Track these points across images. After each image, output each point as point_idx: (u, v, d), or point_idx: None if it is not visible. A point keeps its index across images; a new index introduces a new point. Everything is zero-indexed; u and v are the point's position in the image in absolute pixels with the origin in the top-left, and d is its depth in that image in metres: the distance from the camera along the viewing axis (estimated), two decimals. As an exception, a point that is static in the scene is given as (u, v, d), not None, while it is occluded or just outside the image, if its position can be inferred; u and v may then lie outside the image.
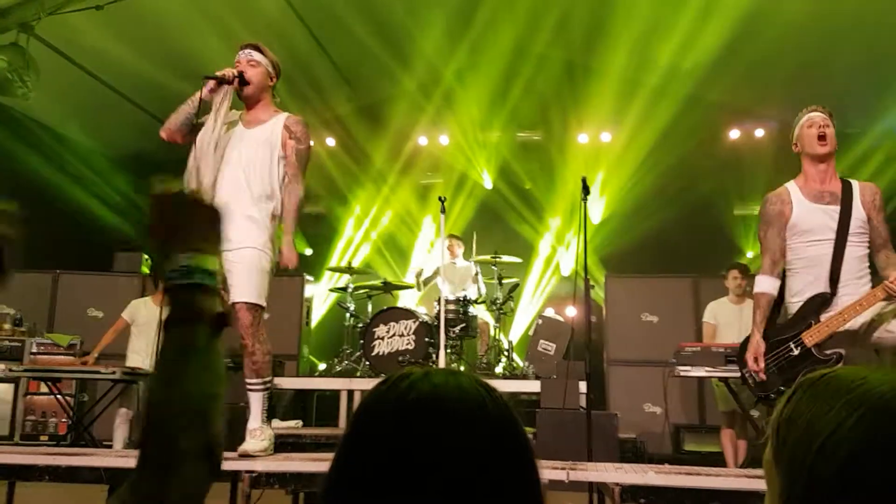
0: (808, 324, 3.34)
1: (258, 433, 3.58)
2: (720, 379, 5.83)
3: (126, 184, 8.74)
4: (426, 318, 7.01)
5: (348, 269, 7.63)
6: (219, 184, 3.51)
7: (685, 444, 6.50)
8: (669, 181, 8.32)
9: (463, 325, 7.12)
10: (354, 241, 9.70)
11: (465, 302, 7.20)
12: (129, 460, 3.67)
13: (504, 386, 6.47)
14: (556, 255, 9.04)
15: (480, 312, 7.65)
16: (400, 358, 6.74)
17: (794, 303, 3.39)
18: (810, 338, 3.33)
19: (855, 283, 3.33)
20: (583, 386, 5.65)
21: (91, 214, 8.36)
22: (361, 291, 7.66)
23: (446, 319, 6.43)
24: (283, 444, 5.40)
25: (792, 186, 3.42)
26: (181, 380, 0.96)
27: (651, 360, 6.71)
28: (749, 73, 7.35)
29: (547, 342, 7.01)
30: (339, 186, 9.77)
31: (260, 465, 3.45)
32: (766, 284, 3.41)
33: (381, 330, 6.95)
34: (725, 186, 8.49)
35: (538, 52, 7.65)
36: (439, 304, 7.21)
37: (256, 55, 3.63)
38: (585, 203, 4.41)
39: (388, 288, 7.70)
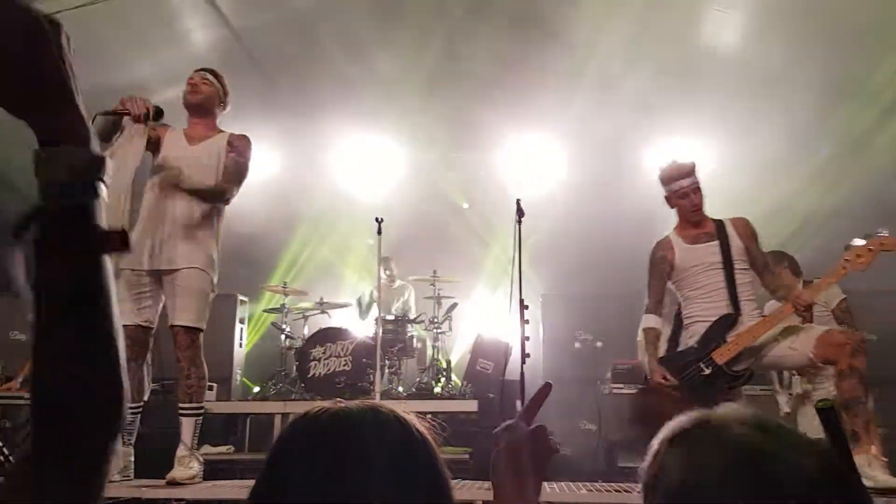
0: (717, 343, 3.53)
1: (187, 460, 3.49)
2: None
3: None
4: (364, 339, 6.96)
5: (284, 290, 7.52)
6: (159, 201, 3.50)
7: (619, 461, 6.60)
8: (603, 202, 8.48)
9: (401, 345, 7.10)
10: (292, 263, 9.55)
11: (403, 322, 7.19)
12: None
13: (442, 406, 6.46)
14: (495, 274, 9.11)
15: (418, 332, 7.65)
16: (337, 380, 6.67)
17: (690, 325, 3.72)
18: (720, 356, 3.52)
19: (748, 304, 3.63)
20: (520, 405, 5.70)
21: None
22: (297, 312, 7.56)
23: (384, 340, 6.40)
24: (214, 471, 5.27)
25: (673, 234, 3.90)
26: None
27: (586, 377, 6.82)
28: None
29: (485, 361, 7.06)
30: (279, 206, 9.63)
31: (189, 493, 3.37)
32: (652, 321, 3.79)
33: (317, 351, 6.87)
34: (658, 207, 8.70)
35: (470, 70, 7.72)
36: (374, 324, 7.19)
37: (210, 77, 3.80)
38: (520, 224, 4.49)
39: (325, 308, 7.62)
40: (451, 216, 9.24)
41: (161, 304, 3.63)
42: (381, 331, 5.70)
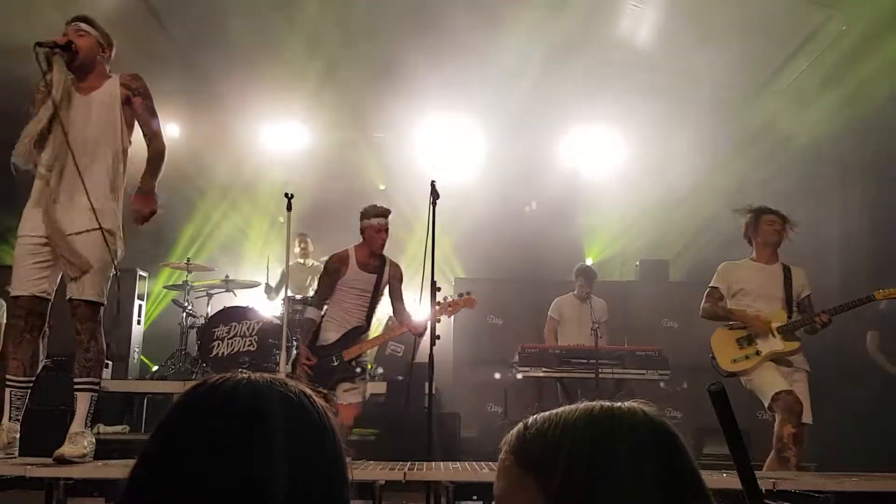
0: (347, 345, 4.63)
1: (79, 437, 3.31)
2: (555, 378, 6.12)
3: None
4: (271, 319, 6.80)
5: (187, 266, 7.23)
6: (63, 159, 3.31)
7: (524, 443, 6.73)
8: (515, 188, 8.60)
9: (310, 326, 6.98)
10: (195, 237, 9.21)
11: (313, 302, 7.07)
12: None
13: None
14: (410, 257, 9.07)
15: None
16: (241, 360, 6.50)
17: (329, 325, 4.73)
18: (348, 354, 4.62)
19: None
20: (427, 387, 5.72)
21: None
22: (200, 289, 7.30)
23: (292, 320, 6.27)
24: (108, 452, 5.04)
25: (352, 251, 4.79)
26: None
27: (495, 360, 6.91)
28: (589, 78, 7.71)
29: (396, 344, 7.04)
30: (181, 179, 9.26)
31: (77, 472, 3.20)
32: (313, 313, 4.77)
33: (220, 330, 6.67)
34: (570, 196, 8.88)
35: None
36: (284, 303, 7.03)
37: (84, 26, 3.46)
38: (434, 206, 4.48)
39: (231, 286, 7.39)
40: (367, 198, 9.12)
41: (59, 275, 3.42)
42: (288, 310, 5.58)
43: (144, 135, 3.55)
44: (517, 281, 7.73)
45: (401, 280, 4.91)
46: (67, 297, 3.37)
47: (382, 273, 4.77)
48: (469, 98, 8.00)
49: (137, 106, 3.50)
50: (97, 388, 3.46)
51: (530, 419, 0.93)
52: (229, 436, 0.80)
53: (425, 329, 4.60)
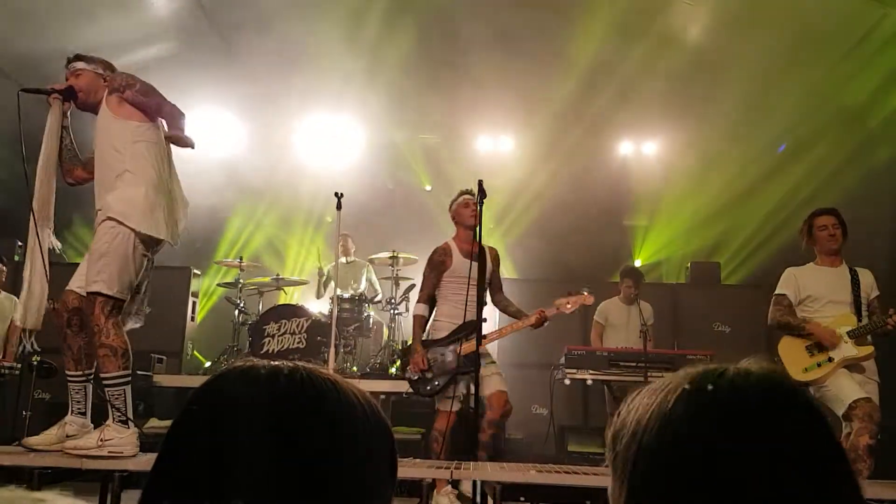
0: (462, 340, 4.46)
1: (96, 430, 3.38)
2: (603, 382, 6.05)
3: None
4: (319, 317, 6.90)
5: (239, 265, 7.40)
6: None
7: (569, 445, 6.68)
8: (564, 189, 8.57)
9: (357, 324, 7.06)
10: (245, 235, 9.42)
11: (360, 301, 7.14)
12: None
13: (397, 387, 6.45)
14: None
15: (376, 312, 7.61)
16: (290, 356, 6.58)
17: (439, 322, 4.59)
18: (464, 350, 4.42)
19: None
20: (472, 387, 5.72)
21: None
22: (252, 287, 7.45)
23: (340, 318, 6.34)
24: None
25: (452, 244, 4.70)
26: None
27: (539, 362, 6.86)
28: (637, 89, 7.69)
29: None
30: (250, 180, 9.50)
31: (132, 465, 3.29)
32: (422, 310, 4.63)
33: (271, 328, 6.79)
34: (616, 197, 8.82)
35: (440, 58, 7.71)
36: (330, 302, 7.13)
37: (78, 64, 3.51)
38: (481, 206, 4.48)
39: (281, 284, 7.53)
40: (413, 197, 9.22)
41: None
42: (336, 309, 5.64)
43: (153, 116, 3.47)
44: (562, 282, 7.66)
45: (499, 264, 4.85)
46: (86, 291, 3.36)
47: (485, 258, 4.61)
48: (521, 98, 7.98)
49: (131, 98, 3.39)
50: (126, 381, 3.41)
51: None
52: (292, 433, 0.75)
53: (547, 319, 4.57)
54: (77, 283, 3.41)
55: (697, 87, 7.33)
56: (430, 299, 4.62)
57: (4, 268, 6.10)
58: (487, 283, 4.62)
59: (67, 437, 3.39)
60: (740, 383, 0.77)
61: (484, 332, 4.44)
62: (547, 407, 6.70)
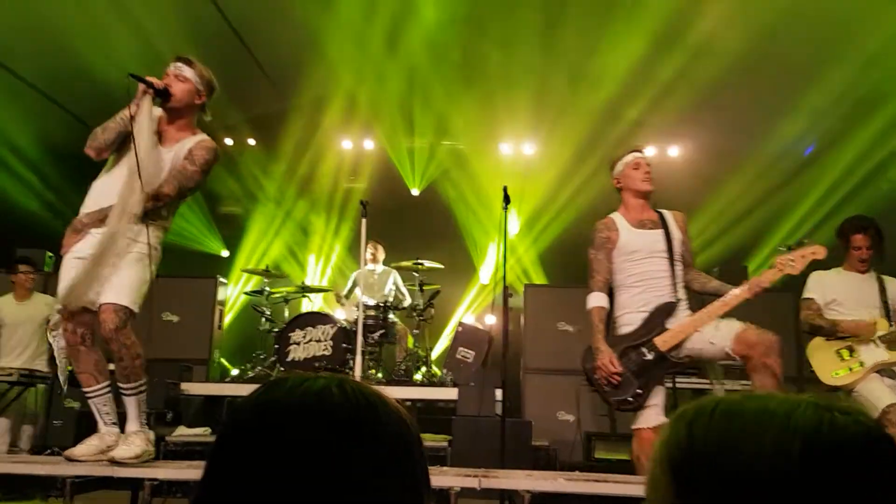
0: (658, 331, 3.53)
1: (131, 439, 3.40)
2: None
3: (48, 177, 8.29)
4: (344, 324, 6.92)
5: (265, 272, 7.45)
6: (119, 196, 3.30)
7: (596, 452, 6.62)
8: (586, 194, 8.54)
9: (382, 331, 7.07)
10: (270, 244, 9.53)
11: (385, 308, 7.15)
12: (22, 466, 3.46)
13: (422, 394, 6.46)
14: (480, 262, 9.15)
15: (400, 319, 7.62)
16: (316, 364, 6.63)
17: (624, 314, 3.65)
18: (664, 343, 3.51)
19: (683, 293, 3.67)
20: (499, 394, 5.70)
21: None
22: (278, 295, 7.50)
23: (365, 325, 6.35)
24: (191, 452, 5.23)
25: (616, 216, 3.78)
26: None
27: (566, 368, 6.81)
28: (665, 94, 7.65)
29: (466, 350, 7.04)
30: (256, 188, 9.60)
31: (162, 473, 3.32)
32: (600, 300, 3.66)
33: (297, 335, 6.82)
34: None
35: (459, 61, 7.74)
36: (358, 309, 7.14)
37: (186, 70, 3.40)
38: (506, 212, 4.46)
39: (306, 291, 7.57)
40: (435, 203, 9.25)
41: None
42: (362, 316, 5.65)
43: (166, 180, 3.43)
44: (586, 288, 7.61)
45: (687, 232, 3.82)
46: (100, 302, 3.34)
47: (668, 226, 3.71)
48: (549, 104, 7.99)
49: (180, 164, 3.41)
50: (142, 390, 3.44)
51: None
52: (311, 443, 0.75)
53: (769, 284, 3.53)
54: (87, 299, 3.32)
55: (728, 91, 7.28)
56: (606, 286, 3.66)
57: (33, 273, 6.15)
58: (679, 255, 3.68)
59: (108, 447, 3.42)
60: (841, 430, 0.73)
61: (683, 314, 3.59)
62: (573, 413, 6.65)
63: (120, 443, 3.38)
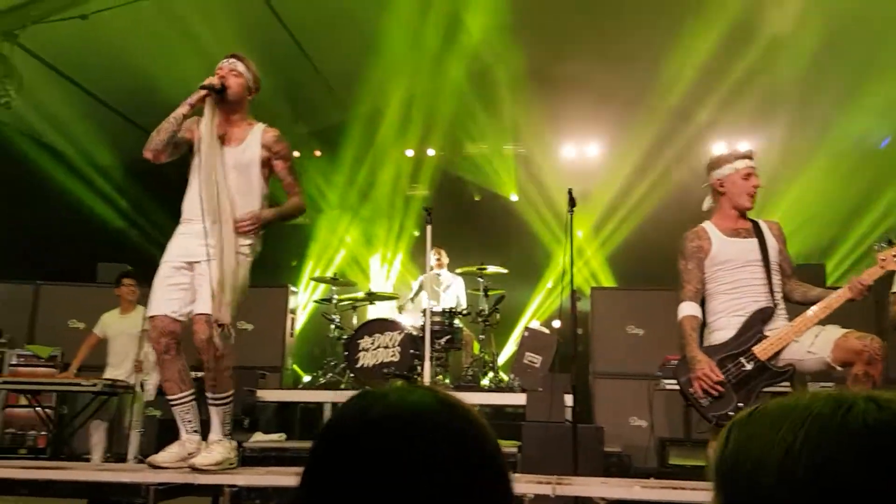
0: (756, 338, 3.37)
1: (212, 447, 3.50)
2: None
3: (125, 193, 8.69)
4: (411, 330, 6.97)
5: (333, 280, 7.58)
6: (204, 201, 3.41)
7: (670, 458, 6.48)
8: (656, 195, 8.40)
9: (448, 336, 7.09)
10: (338, 252, 9.72)
11: (451, 314, 7.17)
12: (108, 474, 3.61)
13: (489, 399, 6.44)
14: (545, 266, 9.09)
15: (466, 325, 7.63)
16: (385, 370, 6.70)
17: (718, 319, 3.49)
18: (763, 351, 3.34)
19: (781, 301, 3.50)
20: (569, 399, 5.64)
21: (75, 225, 8.28)
22: (346, 303, 7.61)
23: (431, 331, 6.39)
24: (266, 458, 5.35)
25: (707, 225, 3.61)
26: None
27: (637, 373, 6.70)
28: (736, 91, 7.49)
29: (532, 354, 6.99)
30: (321, 197, 9.80)
31: (241, 480, 3.41)
32: (692, 309, 3.50)
33: (365, 342, 6.91)
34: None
35: (521, 66, 7.73)
36: (424, 315, 7.19)
37: (240, 66, 3.54)
38: (572, 215, 4.42)
39: (373, 298, 7.66)
40: (500, 208, 9.27)
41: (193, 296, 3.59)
42: (429, 322, 5.69)
43: (285, 190, 3.65)
44: (656, 290, 7.45)
45: (785, 241, 3.66)
46: (193, 313, 3.46)
47: (762, 235, 3.55)
48: (616, 105, 7.92)
49: (279, 169, 3.59)
50: (228, 401, 3.55)
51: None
52: (365, 452, 0.77)
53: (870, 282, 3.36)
54: (170, 308, 3.44)
55: (801, 86, 7.05)
56: (697, 295, 3.52)
57: (135, 286, 6.37)
58: (776, 265, 3.53)
59: (189, 455, 3.52)
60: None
61: (781, 320, 3.44)
62: (646, 419, 6.53)
63: (201, 450, 3.47)
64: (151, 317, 3.47)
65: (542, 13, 7.29)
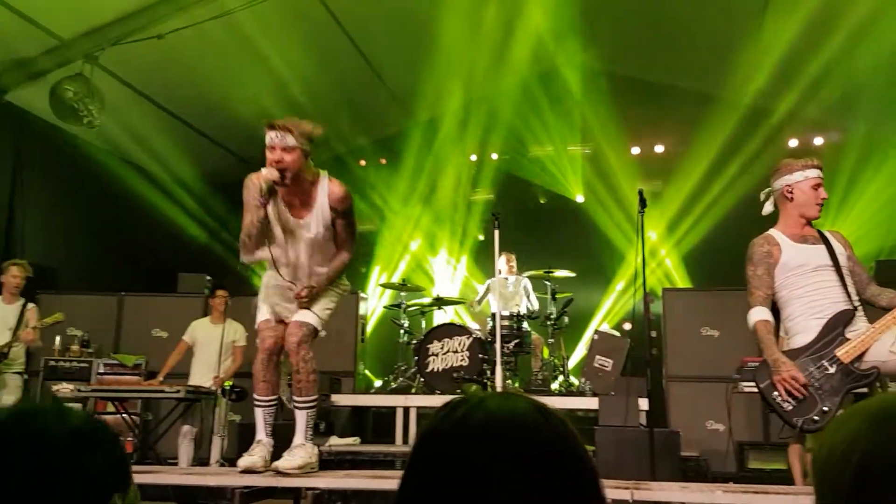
0: (838, 341, 3.28)
1: (295, 451, 3.59)
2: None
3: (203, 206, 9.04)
4: (480, 334, 7.00)
5: (401, 286, 7.68)
6: (282, 268, 3.59)
7: (749, 462, 6.31)
8: (729, 192, 8.21)
9: (517, 340, 7.08)
10: (402, 258, 9.83)
11: (519, 318, 7.17)
12: (195, 477, 3.74)
13: (560, 403, 6.39)
14: (615, 268, 8.98)
15: (534, 328, 7.60)
16: (454, 374, 6.74)
17: (798, 321, 3.40)
18: (846, 354, 3.25)
19: (859, 304, 3.44)
20: (642, 403, 5.56)
21: (156, 238, 8.62)
22: (414, 308, 7.70)
23: (500, 335, 6.38)
24: (341, 461, 5.46)
25: (775, 232, 3.57)
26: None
27: (712, 375, 6.55)
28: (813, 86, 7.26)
29: (603, 358, 6.92)
30: (389, 203, 9.93)
31: (322, 483, 3.49)
32: (764, 313, 3.43)
33: (434, 346, 6.96)
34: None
35: (587, 66, 7.67)
36: (492, 320, 7.20)
37: (289, 139, 3.38)
38: (642, 215, 4.36)
39: (441, 304, 7.72)
40: (566, 210, 9.21)
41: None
42: (500, 325, 5.70)
43: (335, 242, 3.68)
44: (731, 290, 7.25)
45: (852, 249, 3.62)
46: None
47: (828, 242, 3.52)
48: (688, 103, 7.81)
49: (338, 226, 3.62)
50: (313, 405, 3.65)
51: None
52: (466, 460, 0.78)
53: None
54: (275, 314, 3.67)
55: (884, 75, 6.79)
56: (768, 301, 3.44)
57: (228, 298, 6.55)
58: (847, 269, 3.48)
59: (269, 455, 3.64)
60: None
61: (862, 323, 3.37)
62: (723, 422, 6.37)
63: (284, 454, 3.58)
64: (261, 321, 3.69)
65: (611, 7, 7.22)
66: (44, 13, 6.60)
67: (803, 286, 3.40)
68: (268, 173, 3.39)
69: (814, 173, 3.50)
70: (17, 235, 7.47)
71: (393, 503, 0.82)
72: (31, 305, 5.97)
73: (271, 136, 3.40)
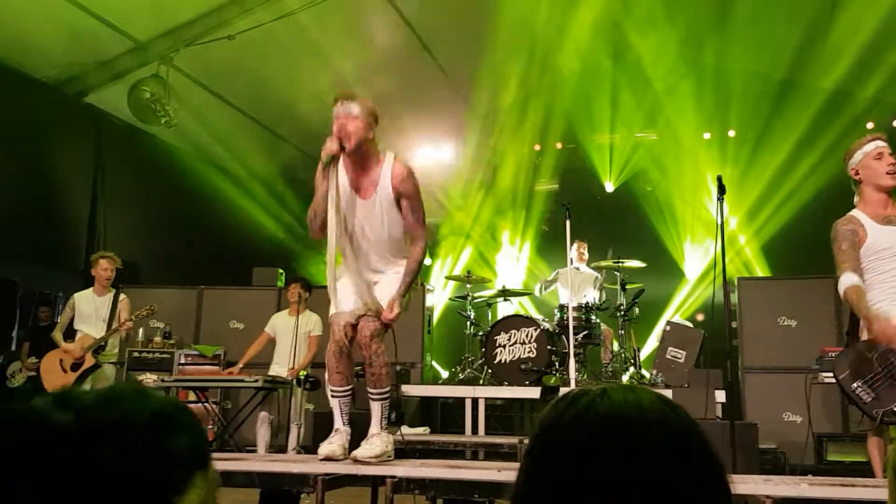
0: None
1: (373, 440, 3.66)
2: (869, 386, 5.46)
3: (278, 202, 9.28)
4: (547, 326, 6.97)
5: (466, 278, 7.71)
6: (349, 254, 3.58)
7: (828, 454, 6.13)
8: (811, 179, 7.95)
9: (585, 332, 7.03)
10: (464, 249, 9.86)
11: (588, 309, 7.11)
12: (279, 464, 3.87)
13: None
14: (686, 258, 8.80)
15: (603, 320, 7.53)
16: (522, 366, 6.74)
17: (878, 306, 3.21)
18: None
19: None
20: (719, 395, 5.46)
21: (232, 233, 8.87)
22: (480, 300, 7.72)
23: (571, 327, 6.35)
24: (412, 451, 5.52)
25: (857, 213, 3.41)
26: None
27: (790, 366, 6.38)
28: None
29: (676, 349, 6.80)
30: (455, 196, 9.96)
31: (400, 471, 3.55)
32: (853, 279, 3.24)
33: (502, 338, 6.98)
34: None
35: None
36: (559, 311, 7.17)
37: (354, 108, 3.41)
38: (721, 203, 4.26)
39: (506, 295, 7.72)
40: (632, 199, 9.07)
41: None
42: (571, 316, 5.68)
43: (406, 229, 3.63)
44: (809, 279, 7.03)
45: None
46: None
47: None
48: (769, 89, 7.61)
49: (403, 207, 3.56)
50: (386, 396, 3.72)
51: None
52: (591, 452, 0.78)
53: None
54: (348, 307, 3.67)
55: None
56: (857, 269, 3.30)
57: (302, 290, 6.66)
58: None
59: (346, 443, 3.74)
60: None
61: None
62: (801, 414, 6.20)
63: (362, 443, 3.66)
64: (332, 313, 3.72)
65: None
66: (121, 16, 6.85)
67: (887, 270, 3.25)
68: (329, 144, 3.41)
69: (871, 146, 3.39)
70: (100, 232, 7.81)
71: (513, 492, 0.82)
72: (122, 296, 6.15)
73: (336, 109, 3.44)
